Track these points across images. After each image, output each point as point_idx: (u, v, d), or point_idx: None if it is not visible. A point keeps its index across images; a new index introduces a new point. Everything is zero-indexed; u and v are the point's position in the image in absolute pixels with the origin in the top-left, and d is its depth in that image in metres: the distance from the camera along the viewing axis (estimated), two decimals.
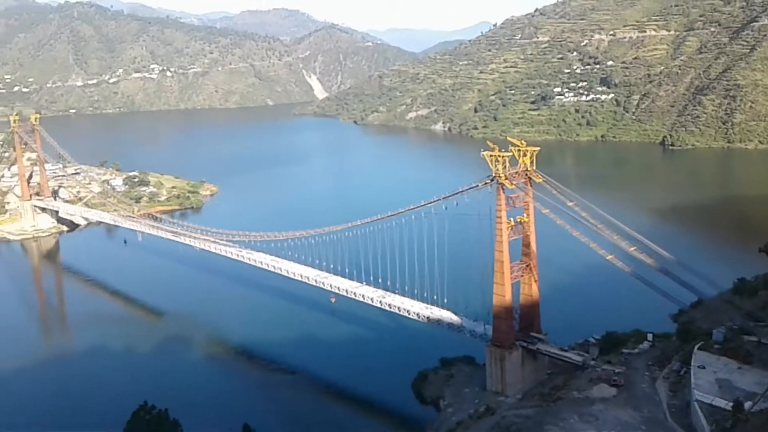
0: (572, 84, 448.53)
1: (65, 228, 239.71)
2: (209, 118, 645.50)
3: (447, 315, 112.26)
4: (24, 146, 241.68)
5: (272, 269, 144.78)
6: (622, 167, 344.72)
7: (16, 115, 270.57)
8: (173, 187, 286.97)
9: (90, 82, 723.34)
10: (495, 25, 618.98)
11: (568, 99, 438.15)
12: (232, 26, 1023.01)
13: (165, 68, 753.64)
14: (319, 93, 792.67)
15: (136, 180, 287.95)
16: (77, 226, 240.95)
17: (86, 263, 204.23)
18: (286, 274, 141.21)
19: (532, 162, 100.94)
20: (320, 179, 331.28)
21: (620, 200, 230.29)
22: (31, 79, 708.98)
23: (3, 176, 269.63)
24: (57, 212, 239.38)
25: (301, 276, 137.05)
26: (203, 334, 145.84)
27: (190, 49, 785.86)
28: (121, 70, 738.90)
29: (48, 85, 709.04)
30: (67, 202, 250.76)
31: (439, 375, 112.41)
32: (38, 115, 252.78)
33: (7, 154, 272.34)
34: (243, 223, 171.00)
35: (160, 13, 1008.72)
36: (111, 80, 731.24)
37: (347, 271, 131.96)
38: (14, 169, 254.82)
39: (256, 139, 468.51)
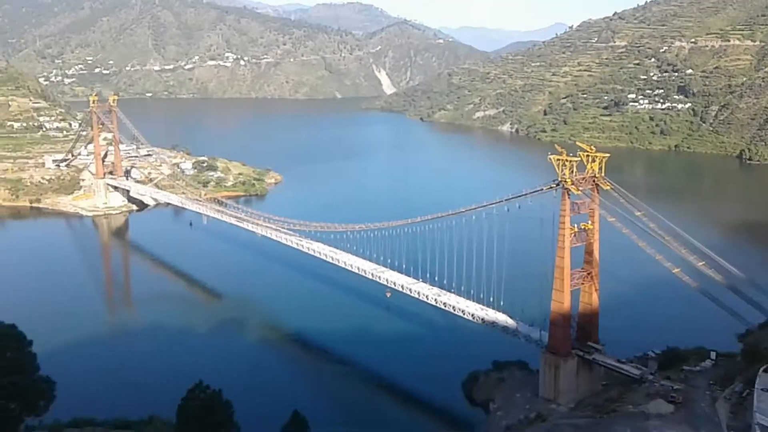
0: (648, 91, 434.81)
1: (135, 207, 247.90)
2: (278, 108, 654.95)
3: (502, 318, 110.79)
4: (101, 126, 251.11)
5: (330, 260, 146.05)
6: (695, 179, 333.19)
7: (96, 95, 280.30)
8: (240, 174, 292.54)
9: (167, 67, 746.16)
10: (571, 27, 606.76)
11: (642, 106, 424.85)
12: (306, 18, 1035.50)
13: (239, 57, 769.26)
14: (387, 88, 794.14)
15: (205, 165, 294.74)
16: (146, 206, 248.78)
17: (152, 242, 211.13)
18: (343, 265, 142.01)
19: (600, 168, 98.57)
20: (383, 174, 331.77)
21: (691, 213, 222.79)
22: (111, 62, 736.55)
23: (80, 154, 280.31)
24: (128, 191, 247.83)
25: (358, 269, 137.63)
26: (259, 318, 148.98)
27: (264, 39, 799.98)
28: (197, 57, 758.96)
29: (127, 69, 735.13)
30: (138, 182, 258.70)
31: (490, 377, 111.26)
32: (116, 97, 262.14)
33: (84, 133, 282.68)
34: (304, 213, 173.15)
35: (238, 2, 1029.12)
36: (187, 66, 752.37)
37: (404, 267, 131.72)
38: (90, 147, 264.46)
39: (322, 131, 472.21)
